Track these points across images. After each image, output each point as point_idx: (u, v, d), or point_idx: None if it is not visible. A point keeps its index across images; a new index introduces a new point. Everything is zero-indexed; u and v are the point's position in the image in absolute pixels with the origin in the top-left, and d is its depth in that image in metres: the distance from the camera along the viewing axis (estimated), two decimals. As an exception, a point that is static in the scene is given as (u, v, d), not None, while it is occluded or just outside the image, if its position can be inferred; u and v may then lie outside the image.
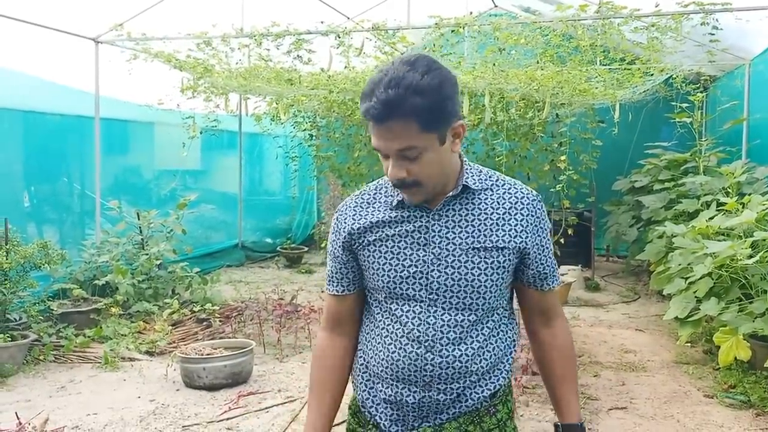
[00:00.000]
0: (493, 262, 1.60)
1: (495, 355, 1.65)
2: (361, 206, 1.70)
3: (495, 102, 7.28)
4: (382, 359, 1.64)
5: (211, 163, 10.15)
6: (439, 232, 1.61)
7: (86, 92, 7.38)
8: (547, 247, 1.70)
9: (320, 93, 7.25)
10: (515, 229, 1.63)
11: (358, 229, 1.67)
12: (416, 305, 1.60)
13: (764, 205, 4.74)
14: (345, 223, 1.71)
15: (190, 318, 6.52)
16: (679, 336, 5.62)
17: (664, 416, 4.48)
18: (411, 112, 1.45)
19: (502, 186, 1.67)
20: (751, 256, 4.37)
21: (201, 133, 8.10)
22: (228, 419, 4.36)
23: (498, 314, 1.67)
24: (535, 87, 6.75)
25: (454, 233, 1.61)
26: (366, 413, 1.71)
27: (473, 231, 1.60)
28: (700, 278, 4.90)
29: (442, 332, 1.58)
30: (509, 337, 1.70)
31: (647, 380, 5.22)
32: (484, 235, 1.61)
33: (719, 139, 7.36)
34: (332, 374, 1.75)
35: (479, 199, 1.64)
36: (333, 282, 1.75)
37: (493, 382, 1.65)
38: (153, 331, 6.03)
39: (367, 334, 1.72)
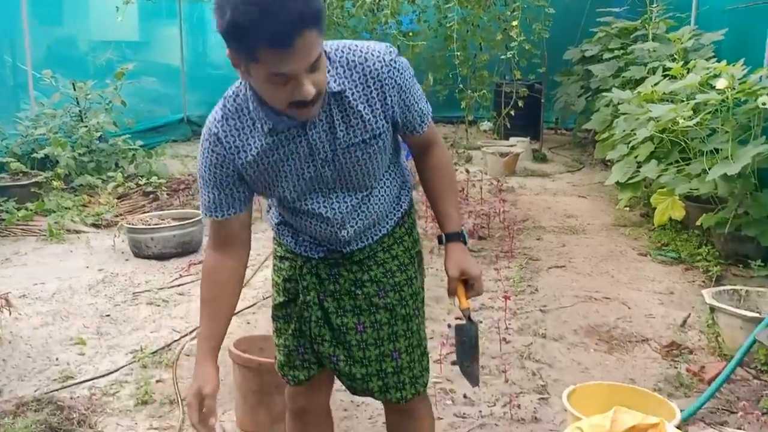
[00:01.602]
0: (374, 149, 1.65)
1: (396, 193, 1.82)
2: (234, 135, 1.58)
3: (447, -35, 6.98)
4: (304, 233, 1.79)
5: (150, 34, 9.61)
6: (319, 138, 1.59)
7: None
8: (413, 102, 1.68)
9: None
10: (383, 111, 1.62)
11: (247, 160, 1.60)
12: (318, 196, 1.69)
13: (708, 69, 4.78)
14: (230, 153, 1.59)
15: (136, 191, 6.42)
16: (619, 200, 5.83)
17: (600, 272, 4.73)
18: (315, 16, 1.33)
19: (356, 67, 1.58)
20: (691, 119, 4.46)
21: (136, -3, 7.58)
22: (179, 285, 4.41)
23: (388, 168, 1.79)
24: (488, -53, 6.46)
25: (332, 135, 1.60)
26: (295, 249, 1.80)
27: (347, 128, 1.60)
28: (642, 142, 5.00)
29: (347, 211, 1.71)
30: (401, 169, 1.84)
31: (586, 242, 5.45)
32: (359, 129, 1.61)
33: (669, 6, 7.28)
34: (224, 290, 1.70)
35: (340, 94, 1.58)
36: (219, 210, 1.66)
37: (401, 206, 1.84)
38: (98, 204, 5.93)
39: (285, 214, 1.79)
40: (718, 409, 2.85)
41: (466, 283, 1.76)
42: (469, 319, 1.76)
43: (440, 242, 1.83)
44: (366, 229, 1.76)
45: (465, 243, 1.81)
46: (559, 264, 4.92)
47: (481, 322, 3.76)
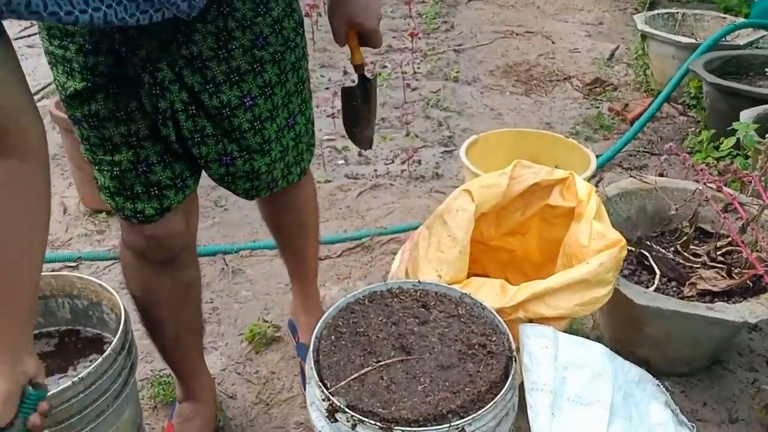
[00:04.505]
0: None
1: None
2: None
3: None
4: None
5: None
6: None
7: None
8: None
9: None
10: None
11: None
12: None
13: None
14: None
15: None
16: None
17: (525, 4, 4.18)
18: None
19: None
20: None
21: None
22: None
23: None
24: None
25: None
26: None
27: None
28: None
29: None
30: None
31: (513, -31, 4.79)
32: None
33: None
34: (25, 221, 0.87)
35: None
36: None
37: None
38: None
39: None
40: (639, 151, 2.56)
41: (360, 35, 1.25)
42: (362, 76, 1.30)
43: None
44: None
45: None
46: (480, -5, 4.32)
47: (385, 67, 3.27)
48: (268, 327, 1.73)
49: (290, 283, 1.66)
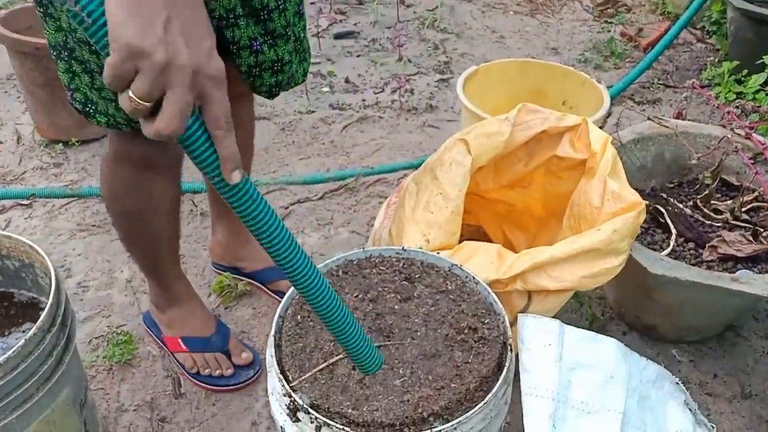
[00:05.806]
0: None
1: None
2: None
3: None
4: None
5: None
6: None
7: None
8: None
9: None
10: None
11: None
12: None
13: None
14: None
15: None
16: None
17: None
18: None
19: None
20: None
21: None
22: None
23: None
24: None
25: None
26: None
27: None
28: None
29: None
30: None
31: None
32: None
33: None
34: None
35: None
36: None
37: None
38: None
39: None
40: (652, 83, 2.33)
41: None
42: None
43: None
44: None
45: None
46: None
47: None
48: (239, 279, 1.56)
49: (220, 222, 1.51)
